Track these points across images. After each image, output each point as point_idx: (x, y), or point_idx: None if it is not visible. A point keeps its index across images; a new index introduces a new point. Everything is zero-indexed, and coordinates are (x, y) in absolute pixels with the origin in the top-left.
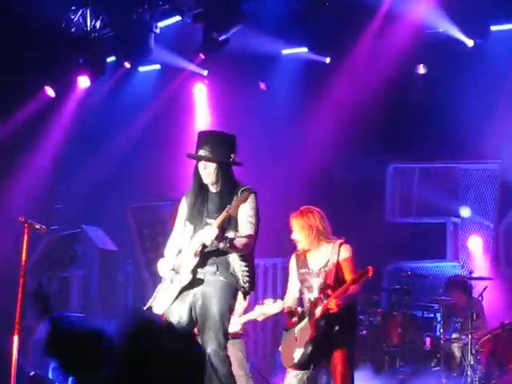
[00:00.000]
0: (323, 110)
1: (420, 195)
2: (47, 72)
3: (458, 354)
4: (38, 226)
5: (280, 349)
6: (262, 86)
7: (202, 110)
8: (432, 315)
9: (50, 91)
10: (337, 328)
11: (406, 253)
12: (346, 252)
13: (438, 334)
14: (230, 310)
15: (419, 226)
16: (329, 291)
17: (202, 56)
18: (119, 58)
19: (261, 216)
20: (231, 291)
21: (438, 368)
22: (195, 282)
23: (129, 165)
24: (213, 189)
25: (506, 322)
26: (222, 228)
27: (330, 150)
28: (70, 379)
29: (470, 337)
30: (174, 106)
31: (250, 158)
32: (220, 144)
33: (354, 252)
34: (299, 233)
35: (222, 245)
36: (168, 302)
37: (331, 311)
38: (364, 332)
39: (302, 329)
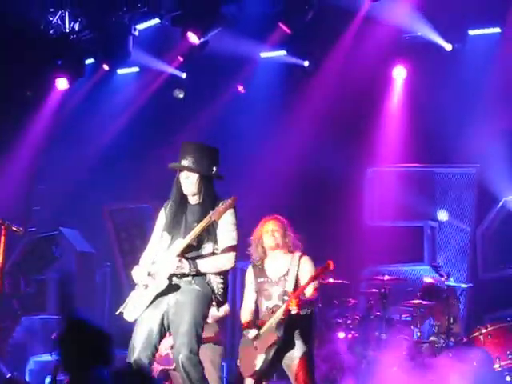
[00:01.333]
0: (301, 113)
1: (398, 199)
2: (25, 74)
3: (435, 357)
4: (15, 228)
5: (238, 362)
6: (241, 88)
7: (180, 113)
8: (409, 318)
9: (28, 93)
10: (295, 334)
11: (384, 256)
12: (306, 264)
13: (415, 337)
14: (204, 318)
15: (397, 229)
16: (286, 298)
17: (180, 59)
18: (98, 60)
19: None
20: (206, 301)
21: (415, 371)
22: (170, 289)
23: (107, 167)
24: (192, 200)
25: (483, 325)
26: (196, 249)
27: (307, 154)
28: (47, 381)
29: (446, 340)
30: (152, 109)
31: (226, 161)
32: (203, 156)
33: (313, 263)
34: (275, 231)
35: (186, 271)
36: (141, 309)
37: (293, 311)
38: (341, 335)
39: (261, 336)
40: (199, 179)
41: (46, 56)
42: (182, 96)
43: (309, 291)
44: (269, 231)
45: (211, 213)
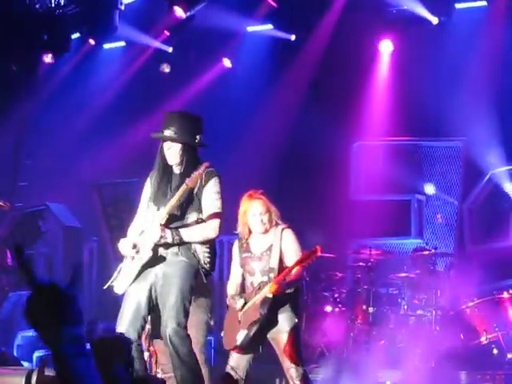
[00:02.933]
0: (288, 86)
1: (384, 172)
2: (11, 48)
3: (422, 330)
4: (1, 203)
5: (222, 334)
6: (227, 62)
7: (167, 87)
8: (396, 292)
9: (13, 68)
10: (282, 309)
11: (371, 230)
12: (288, 237)
13: (402, 310)
14: (191, 289)
15: (384, 203)
16: (271, 275)
17: (166, 33)
18: (84, 34)
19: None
20: (193, 271)
21: (402, 344)
22: (157, 261)
23: (93, 142)
24: (177, 170)
25: (470, 298)
26: (180, 218)
27: (293, 127)
28: (35, 356)
29: (434, 313)
30: (138, 83)
31: (212, 135)
32: (186, 125)
33: (297, 236)
34: (260, 214)
35: (169, 240)
36: (129, 281)
37: (269, 294)
38: (328, 309)
39: (245, 312)
40: (182, 149)
41: (32, 31)
42: (168, 70)
43: (293, 271)
44: (256, 214)
45: (187, 180)
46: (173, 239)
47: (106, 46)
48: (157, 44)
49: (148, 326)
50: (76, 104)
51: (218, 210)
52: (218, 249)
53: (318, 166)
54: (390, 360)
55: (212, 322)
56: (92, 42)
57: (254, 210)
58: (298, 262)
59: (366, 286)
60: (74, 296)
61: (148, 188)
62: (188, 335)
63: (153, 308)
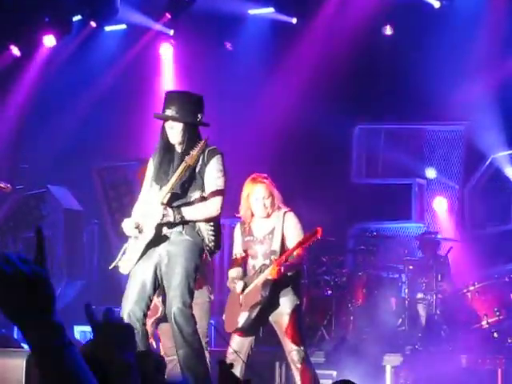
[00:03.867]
0: (289, 70)
1: (386, 156)
2: (12, 31)
3: (422, 314)
4: (3, 185)
5: (223, 317)
6: (229, 46)
7: (168, 69)
8: (397, 276)
9: (15, 50)
10: (283, 291)
11: (372, 213)
12: (290, 220)
13: (403, 294)
14: (196, 268)
15: (385, 186)
16: (273, 257)
17: (168, 15)
18: (85, 17)
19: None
20: (197, 250)
21: (402, 328)
22: (160, 240)
23: (95, 125)
24: (179, 149)
25: (471, 282)
26: (183, 197)
27: (295, 111)
28: None
29: (434, 297)
30: (139, 66)
31: (215, 118)
32: (187, 104)
33: (299, 220)
34: (263, 199)
35: (171, 218)
36: (133, 261)
37: (270, 277)
38: (329, 292)
39: (246, 294)
40: (184, 128)
41: (33, 13)
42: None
43: (294, 253)
44: (259, 198)
45: (186, 157)
46: (175, 218)
47: (108, 28)
48: (158, 27)
49: (160, 308)
50: (77, 86)
51: (220, 188)
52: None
53: (320, 149)
54: (391, 344)
55: (212, 297)
56: (93, 24)
57: (257, 194)
58: (299, 244)
59: (366, 270)
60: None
61: (151, 168)
62: (193, 315)
63: (158, 287)
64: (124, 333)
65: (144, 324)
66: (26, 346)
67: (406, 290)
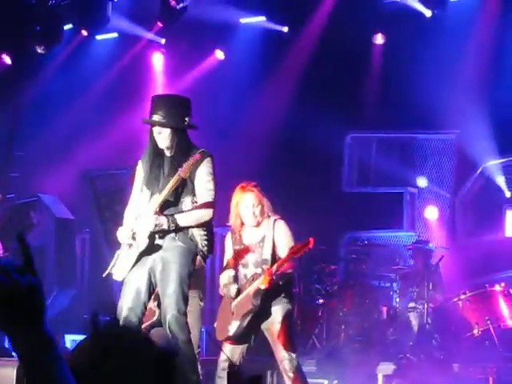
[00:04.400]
0: (281, 79)
1: (377, 165)
2: (4, 40)
3: (414, 322)
4: None
5: (215, 325)
6: (220, 54)
7: (159, 78)
8: (388, 284)
9: (6, 59)
10: (275, 300)
11: (363, 222)
12: (281, 228)
13: (394, 303)
14: (190, 275)
15: (376, 195)
16: (264, 266)
17: (159, 24)
18: (76, 25)
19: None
20: (190, 256)
21: (394, 337)
22: (154, 248)
23: (86, 133)
24: (168, 153)
25: (462, 291)
26: (174, 203)
27: (287, 120)
28: None
29: (426, 306)
30: (131, 74)
31: (205, 127)
32: (174, 108)
33: (289, 227)
34: (252, 207)
35: (165, 227)
36: (127, 269)
37: (262, 286)
38: (320, 301)
39: (238, 303)
40: (172, 133)
41: (24, 22)
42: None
43: (286, 263)
44: (248, 206)
45: (179, 170)
46: (169, 226)
47: (99, 37)
48: (150, 35)
49: (156, 312)
50: (68, 95)
51: (212, 192)
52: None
53: (311, 157)
54: (382, 353)
55: (202, 304)
56: (85, 33)
57: (246, 203)
58: (291, 254)
59: (358, 279)
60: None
61: (140, 172)
62: (187, 322)
63: (153, 293)
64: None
65: (140, 330)
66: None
67: (398, 299)
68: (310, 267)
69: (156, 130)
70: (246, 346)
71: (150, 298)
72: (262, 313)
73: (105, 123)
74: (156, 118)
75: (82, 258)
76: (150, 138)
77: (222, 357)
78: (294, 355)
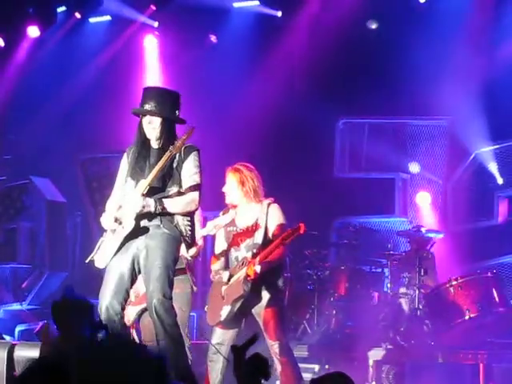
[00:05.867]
0: (273, 63)
1: (369, 150)
2: None
3: (405, 308)
4: None
5: (206, 309)
6: (213, 38)
7: (152, 61)
8: (380, 270)
9: None
10: (266, 285)
11: (355, 208)
12: (274, 212)
13: (385, 288)
14: (175, 261)
15: (368, 181)
16: (255, 250)
17: (153, 7)
18: (70, 8)
19: (207, 169)
20: (175, 244)
21: (385, 323)
22: (138, 233)
23: (78, 116)
24: (155, 145)
25: (454, 277)
26: (160, 189)
27: (279, 104)
28: (17, 330)
29: (417, 292)
30: (124, 57)
31: (199, 110)
32: (165, 99)
33: (283, 211)
34: (232, 187)
35: (152, 208)
36: (110, 255)
37: (248, 278)
38: (312, 286)
39: (229, 287)
40: (162, 123)
41: (17, 4)
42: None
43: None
44: (230, 187)
45: (171, 147)
46: (156, 208)
47: (92, 19)
48: (142, 18)
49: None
50: (61, 77)
51: (198, 183)
52: (203, 225)
53: (303, 142)
54: (373, 338)
55: (195, 288)
56: (78, 15)
57: (228, 183)
58: (282, 240)
59: (349, 264)
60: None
61: (125, 163)
62: (173, 306)
63: (135, 280)
64: (77, 307)
65: (122, 317)
66: (7, 338)
67: (389, 285)
68: (301, 252)
69: (146, 119)
70: (236, 330)
71: (132, 285)
72: (252, 298)
73: (96, 106)
74: (147, 107)
75: (73, 241)
76: (138, 128)
77: (213, 340)
78: (284, 339)
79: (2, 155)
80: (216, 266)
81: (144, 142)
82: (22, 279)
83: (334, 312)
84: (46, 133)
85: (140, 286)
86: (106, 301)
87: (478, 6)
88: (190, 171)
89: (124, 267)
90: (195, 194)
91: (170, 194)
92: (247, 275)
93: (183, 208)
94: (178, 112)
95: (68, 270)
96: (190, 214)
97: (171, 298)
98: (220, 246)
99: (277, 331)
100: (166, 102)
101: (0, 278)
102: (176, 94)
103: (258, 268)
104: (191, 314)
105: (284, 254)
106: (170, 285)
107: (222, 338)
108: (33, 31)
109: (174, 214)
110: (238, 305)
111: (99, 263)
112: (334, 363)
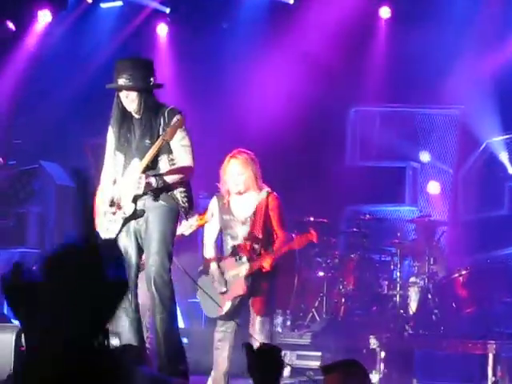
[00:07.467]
0: (285, 51)
1: (380, 139)
2: (8, 5)
3: (415, 297)
4: None
5: (200, 302)
6: (225, 25)
7: (163, 47)
8: (389, 259)
9: (10, 25)
10: (264, 278)
11: (365, 196)
12: (274, 202)
13: (394, 277)
14: (173, 233)
15: (379, 169)
16: (256, 246)
17: None
18: None
19: (217, 158)
20: (173, 214)
21: (394, 311)
22: (137, 211)
23: (88, 101)
24: (137, 115)
25: (463, 267)
26: (152, 164)
27: (290, 93)
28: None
29: (426, 281)
30: (135, 43)
31: (209, 98)
32: (138, 70)
33: (281, 202)
34: (234, 174)
35: (154, 185)
36: (112, 235)
37: (264, 270)
38: (321, 274)
39: (231, 284)
40: (139, 95)
41: None
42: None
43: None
44: (233, 174)
45: (163, 134)
46: (157, 183)
47: (103, 5)
48: (154, 4)
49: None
50: (72, 62)
51: (188, 146)
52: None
53: (314, 131)
54: (382, 326)
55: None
56: (89, 0)
57: (231, 170)
58: (293, 245)
59: (359, 252)
60: None
61: (111, 136)
62: (171, 280)
63: (142, 254)
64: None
65: (136, 295)
66: (15, 322)
67: (398, 273)
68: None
69: (123, 93)
70: (237, 321)
71: (141, 259)
72: (253, 292)
73: (107, 91)
74: (121, 81)
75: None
76: (116, 101)
77: (218, 328)
78: (267, 320)
79: (12, 140)
80: (210, 253)
81: (124, 114)
82: (31, 264)
83: (343, 300)
84: (56, 117)
85: None
86: None
87: None
88: (177, 136)
89: (128, 244)
90: (188, 158)
91: (160, 163)
92: (262, 267)
93: (182, 176)
94: (152, 79)
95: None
96: (184, 182)
97: (170, 271)
98: (212, 233)
99: (261, 310)
100: (140, 72)
101: (9, 263)
102: (148, 61)
103: (269, 262)
104: (195, 300)
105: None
106: (169, 258)
107: (225, 326)
108: (44, 16)
109: (173, 186)
110: (238, 300)
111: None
112: (342, 351)
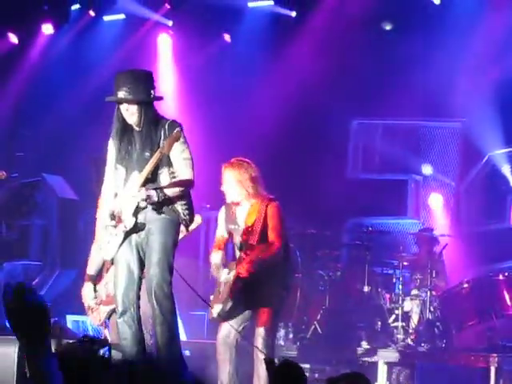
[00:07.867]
0: (287, 64)
1: (383, 152)
2: (11, 18)
3: (416, 310)
4: None
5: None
6: (227, 37)
7: (166, 60)
8: (391, 271)
9: (13, 38)
10: (260, 286)
11: (367, 209)
12: (272, 210)
13: (397, 290)
14: (174, 245)
15: (381, 182)
16: (248, 252)
17: (167, 6)
18: (84, 6)
19: (219, 167)
20: (174, 227)
21: (396, 324)
22: (138, 224)
23: (91, 114)
24: (137, 127)
25: (466, 279)
26: (152, 177)
27: (293, 105)
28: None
29: (429, 294)
30: (138, 56)
31: (212, 110)
32: (138, 83)
33: (281, 211)
34: (230, 185)
35: (155, 198)
36: (115, 248)
37: (241, 276)
38: (323, 287)
39: (225, 285)
40: (139, 108)
41: (32, 1)
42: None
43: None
44: (226, 183)
45: (161, 147)
46: (158, 197)
47: (106, 18)
48: (157, 17)
49: None
50: (74, 75)
51: (189, 161)
52: (203, 224)
53: (317, 143)
54: (384, 340)
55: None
56: (92, 13)
57: (225, 179)
58: (265, 254)
59: (361, 265)
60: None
61: (112, 149)
62: (172, 293)
63: (144, 267)
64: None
65: (138, 307)
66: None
67: (400, 286)
68: (313, 253)
69: (123, 106)
70: (242, 324)
71: (142, 272)
72: (245, 298)
73: (110, 104)
74: (121, 94)
75: (85, 238)
76: (117, 114)
77: (221, 332)
78: (271, 335)
79: (15, 152)
80: (216, 259)
81: (124, 126)
82: (34, 276)
83: (345, 313)
84: (58, 130)
85: (111, 287)
86: (120, 292)
87: (494, 8)
88: (178, 149)
89: (130, 257)
90: (189, 172)
91: (161, 176)
92: (238, 273)
93: (182, 189)
94: (153, 92)
95: (79, 268)
96: (185, 195)
97: (171, 284)
98: (220, 239)
99: (262, 337)
100: (139, 84)
101: (11, 275)
102: (148, 73)
103: (245, 267)
104: (201, 313)
105: (277, 253)
106: (170, 270)
107: (228, 330)
108: (47, 29)
109: (173, 198)
110: (229, 304)
111: (106, 255)
112: (345, 364)
